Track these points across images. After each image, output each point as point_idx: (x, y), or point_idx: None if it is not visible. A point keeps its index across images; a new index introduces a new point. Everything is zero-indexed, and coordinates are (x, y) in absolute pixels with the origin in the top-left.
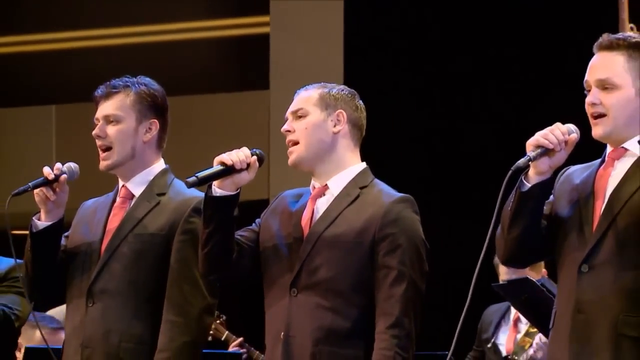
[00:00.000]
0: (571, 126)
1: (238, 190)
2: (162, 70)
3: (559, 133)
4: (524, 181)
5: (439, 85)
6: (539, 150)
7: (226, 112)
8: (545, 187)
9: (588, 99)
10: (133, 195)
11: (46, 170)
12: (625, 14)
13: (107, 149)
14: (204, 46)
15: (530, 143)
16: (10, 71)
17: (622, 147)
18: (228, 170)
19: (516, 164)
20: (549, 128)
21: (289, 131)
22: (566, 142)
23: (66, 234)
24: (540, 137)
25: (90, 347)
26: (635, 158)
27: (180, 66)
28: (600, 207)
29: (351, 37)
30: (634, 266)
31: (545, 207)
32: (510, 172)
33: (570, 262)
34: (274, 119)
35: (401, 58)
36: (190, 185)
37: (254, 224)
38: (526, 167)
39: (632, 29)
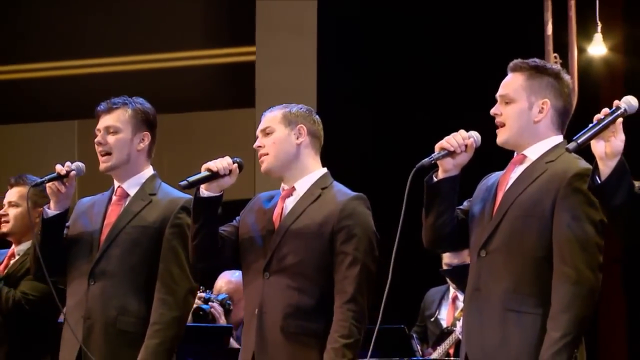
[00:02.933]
0: (472, 132)
1: (222, 192)
2: (164, 92)
3: (459, 138)
4: (433, 177)
5: (396, 108)
6: (442, 152)
7: (218, 126)
8: (452, 182)
9: (491, 111)
10: (128, 194)
11: (58, 167)
12: (550, 45)
13: (107, 154)
14: (199, 71)
15: (437, 146)
16: (38, 92)
17: (522, 153)
18: (213, 176)
19: (420, 162)
20: (452, 134)
21: (260, 146)
22: (467, 146)
23: (67, 224)
24: (444, 141)
25: (92, 319)
26: (529, 164)
27: (180, 88)
28: (497, 204)
29: (323, 64)
30: (520, 252)
31: (465, 204)
32: (414, 169)
33: (474, 249)
34: None
35: (363, 79)
36: (182, 188)
37: (234, 220)
38: (430, 165)
39: (555, 57)
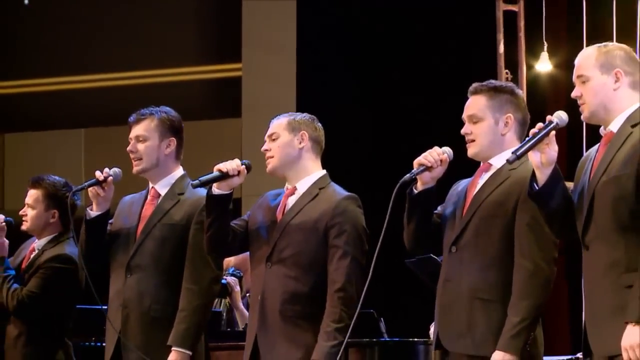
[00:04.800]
0: (446, 148)
1: (231, 191)
2: (160, 103)
3: (435, 154)
4: (414, 189)
5: (366, 120)
6: (421, 168)
7: (209, 134)
8: (430, 193)
9: (462, 130)
10: (160, 194)
11: (97, 173)
12: (502, 62)
13: (139, 159)
14: (192, 85)
15: (416, 162)
16: (48, 103)
17: (488, 162)
18: (223, 176)
19: (403, 178)
20: (428, 151)
21: (267, 150)
22: (442, 160)
23: (110, 221)
24: (422, 157)
25: (128, 307)
26: (494, 171)
27: (175, 100)
28: (467, 207)
29: (301, 79)
30: (486, 248)
31: (439, 209)
32: (398, 184)
33: (446, 245)
34: (245, 139)
35: (338, 92)
36: (195, 187)
37: (245, 215)
38: (411, 180)
39: (507, 73)
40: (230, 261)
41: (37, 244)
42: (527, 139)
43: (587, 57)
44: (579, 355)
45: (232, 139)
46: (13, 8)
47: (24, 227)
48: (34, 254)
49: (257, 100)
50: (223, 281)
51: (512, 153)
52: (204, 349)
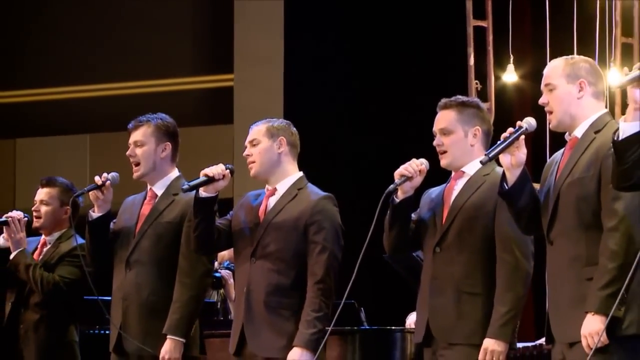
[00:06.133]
0: (423, 160)
1: (217, 193)
2: (159, 111)
3: (414, 165)
4: (395, 198)
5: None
6: (402, 179)
7: (203, 139)
8: (410, 201)
9: (434, 142)
10: (157, 195)
11: (96, 178)
12: (472, 74)
13: (137, 164)
14: (188, 94)
15: (397, 173)
16: (55, 111)
17: (461, 170)
18: (210, 180)
19: (388, 189)
20: (408, 162)
21: (248, 155)
22: (420, 171)
23: (114, 220)
24: (402, 169)
25: (128, 300)
26: (469, 177)
27: (172, 108)
28: (446, 211)
29: (288, 89)
30: (469, 247)
31: (414, 215)
32: (384, 194)
33: (429, 247)
34: (237, 144)
35: (321, 102)
36: (185, 191)
37: (228, 215)
38: (395, 190)
39: (477, 83)
40: (224, 255)
41: (49, 238)
42: (498, 142)
43: (555, 68)
44: (542, 341)
45: (225, 143)
46: (26, 24)
47: (36, 223)
48: (46, 247)
49: (248, 108)
50: (217, 274)
51: (485, 155)
52: (198, 337)
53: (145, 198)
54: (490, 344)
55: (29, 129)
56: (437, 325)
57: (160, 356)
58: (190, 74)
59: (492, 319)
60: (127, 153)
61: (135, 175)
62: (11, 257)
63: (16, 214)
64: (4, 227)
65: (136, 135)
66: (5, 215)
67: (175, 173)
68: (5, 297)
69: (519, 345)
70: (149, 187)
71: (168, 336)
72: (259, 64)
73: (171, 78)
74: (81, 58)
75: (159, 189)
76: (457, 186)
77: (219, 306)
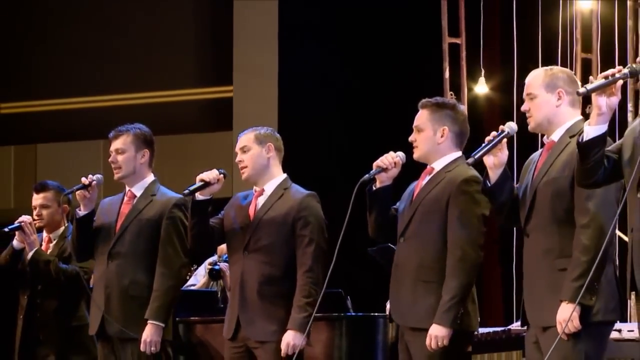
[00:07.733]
0: (399, 152)
1: (211, 196)
2: (164, 119)
3: (389, 157)
4: (373, 187)
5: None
6: (377, 169)
7: (204, 145)
8: (386, 190)
9: (409, 138)
10: (135, 195)
11: (83, 178)
12: (447, 85)
13: (118, 168)
14: (191, 104)
15: (374, 164)
16: (72, 119)
17: (431, 166)
18: (206, 185)
19: (362, 178)
20: (384, 155)
21: (240, 161)
22: (395, 163)
23: (94, 218)
24: (379, 161)
25: (110, 288)
26: (435, 173)
27: (176, 117)
28: (412, 203)
29: (282, 99)
30: (425, 238)
31: (397, 204)
32: (358, 183)
33: (398, 236)
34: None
35: (314, 110)
36: (186, 196)
37: (219, 214)
38: (370, 180)
39: (451, 95)
40: (223, 249)
41: (53, 235)
42: (482, 145)
43: (535, 78)
44: (512, 326)
45: (225, 149)
46: (50, 42)
47: (39, 224)
48: (52, 243)
49: (246, 116)
50: (217, 267)
51: (471, 157)
52: (171, 323)
53: (123, 198)
54: (433, 330)
55: (48, 136)
56: (396, 310)
57: (142, 339)
58: (193, 86)
59: (438, 306)
60: (110, 159)
61: (116, 176)
62: (29, 256)
63: (26, 218)
64: (17, 231)
65: (117, 144)
66: (17, 220)
67: (151, 177)
68: (17, 292)
69: (490, 329)
70: (127, 188)
71: (149, 321)
72: (256, 76)
73: (176, 89)
74: (96, 72)
75: (137, 190)
76: (424, 181)
77: (219, 295)
